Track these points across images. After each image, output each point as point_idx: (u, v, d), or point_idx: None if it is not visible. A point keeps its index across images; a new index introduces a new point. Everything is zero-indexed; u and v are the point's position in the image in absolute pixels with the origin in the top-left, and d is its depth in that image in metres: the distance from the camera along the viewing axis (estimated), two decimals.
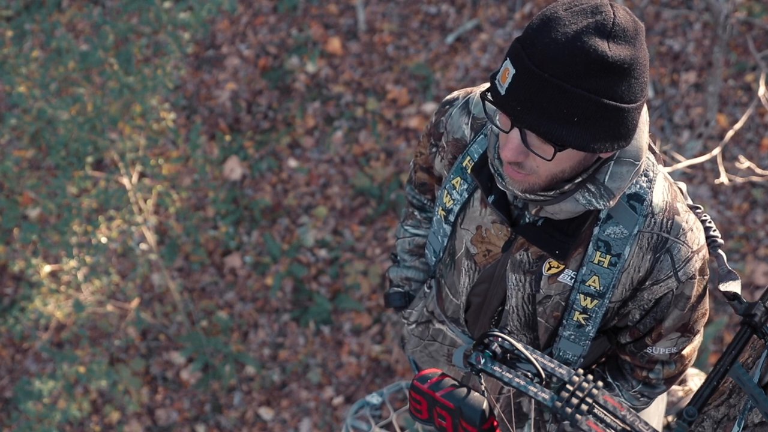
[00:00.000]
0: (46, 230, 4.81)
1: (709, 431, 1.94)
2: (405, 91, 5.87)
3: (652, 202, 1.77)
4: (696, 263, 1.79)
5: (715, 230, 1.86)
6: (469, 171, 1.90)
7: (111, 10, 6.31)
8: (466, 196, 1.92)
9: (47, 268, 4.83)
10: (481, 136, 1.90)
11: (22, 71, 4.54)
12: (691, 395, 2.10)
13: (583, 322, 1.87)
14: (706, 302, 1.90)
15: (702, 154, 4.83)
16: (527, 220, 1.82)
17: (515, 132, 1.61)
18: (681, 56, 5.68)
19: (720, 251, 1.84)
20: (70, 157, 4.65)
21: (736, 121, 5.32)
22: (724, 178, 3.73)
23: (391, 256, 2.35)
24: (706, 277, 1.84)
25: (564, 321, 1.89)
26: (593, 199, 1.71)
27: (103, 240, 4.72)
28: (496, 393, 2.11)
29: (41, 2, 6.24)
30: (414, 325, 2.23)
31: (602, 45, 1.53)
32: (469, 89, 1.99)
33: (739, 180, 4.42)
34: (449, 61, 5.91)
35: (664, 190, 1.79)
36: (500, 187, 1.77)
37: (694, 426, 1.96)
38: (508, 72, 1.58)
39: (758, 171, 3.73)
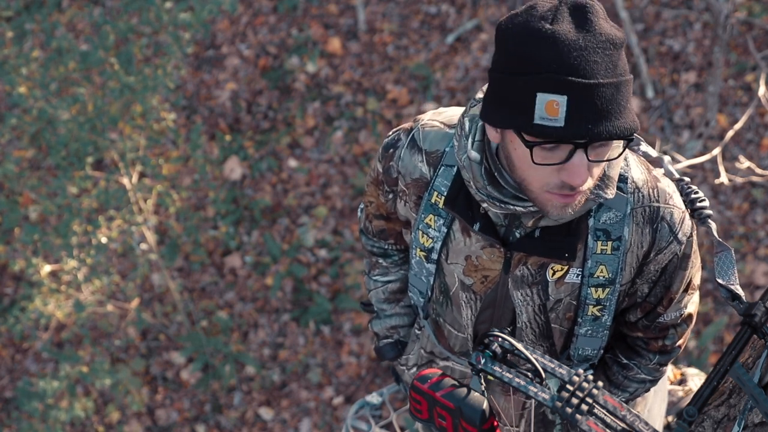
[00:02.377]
0: (47, 231, 4.81)
1: (709, 431, 1.94)
2: (405, 91, 5.87)
3: (633, 178, 1.79)
4: (688, 221, 1.83)
5: (702, 200, 1.86)
6: (441, 206, 1.87)
7: (111, 10, 6.31)
8: (445, 230, 1.88)
9: (47, 268, 4.83)
10: (442, 168, 1.86)
11: (23, 71, 4.54)
12: (691, 395, 2.10)
13: (598, 313, 1.88)
14: (699, 255, 1.93)
15: (702, 154, 4.83)
16: (518, 235, 1.80)
17: (579, 156, 1.57)
18: (681, 56, 5.68)
19: (710, 221, 1.84)
20: (71, 157, 4.65)
21: (736, 121, 5.32)
22: (724, 178, 3.73)
23: (363, 307, 2.31)
24: (695, 231, 1.87)
25: (579, 319, 1.89)
26: (600, 192, 1.71)
27: (104, 240, 4.72)
28: (519, 409, 2.09)
29: (41, 2, 6.24)
30: (414, 369, 2.20)
31: (605, 24, 1.54)
32: (405, 126, 1.94)
33: (739, 180, 4.42)
34: (449, 61, 5.90)
35: (637, 164, 1.82)
36: (497, 210, 1.73)
37: (694, 426, 1.96)
38: (556, 103, 1.52)
39: (758, 171, 3.74)
